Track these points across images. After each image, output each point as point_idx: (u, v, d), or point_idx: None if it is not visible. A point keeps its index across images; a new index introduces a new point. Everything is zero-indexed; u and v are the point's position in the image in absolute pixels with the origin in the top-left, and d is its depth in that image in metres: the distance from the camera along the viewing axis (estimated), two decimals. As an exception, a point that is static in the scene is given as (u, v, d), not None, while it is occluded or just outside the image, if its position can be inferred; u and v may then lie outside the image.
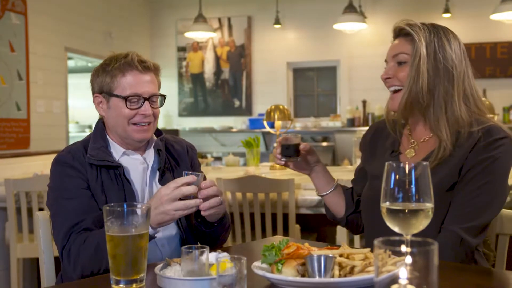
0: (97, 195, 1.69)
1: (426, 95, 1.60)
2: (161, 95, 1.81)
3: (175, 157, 1.89)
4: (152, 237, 1.59)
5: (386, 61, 1.72)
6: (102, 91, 1.77)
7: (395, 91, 1.67)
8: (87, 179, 1.70)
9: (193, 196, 1.56)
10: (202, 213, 1.61)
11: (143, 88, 1.74)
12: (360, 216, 1.84)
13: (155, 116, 1.79)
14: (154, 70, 1.79)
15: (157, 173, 1.80)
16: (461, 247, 1.51)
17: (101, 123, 1.84)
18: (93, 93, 1.81)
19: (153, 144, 1.83)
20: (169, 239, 1.75)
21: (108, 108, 1.77)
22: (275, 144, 1.79)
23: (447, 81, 1.61)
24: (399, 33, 1.69)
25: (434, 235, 1.51)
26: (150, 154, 1.83)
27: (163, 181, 1.77)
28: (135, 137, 1.75)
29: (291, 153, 1.71)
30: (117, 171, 1.73)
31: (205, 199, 1.58)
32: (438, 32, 1.64)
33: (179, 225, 1.77)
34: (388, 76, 1.67)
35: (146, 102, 1.74)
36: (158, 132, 1.90)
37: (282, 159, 1.73)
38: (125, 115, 1.73)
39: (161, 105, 1.81)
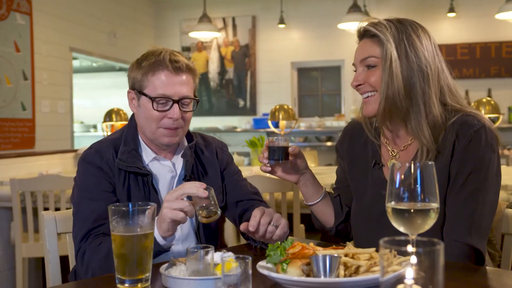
0: (121, 200, 1.64)
1: (403, 99, 1.51)
2: (194, 98, 1.70)
3: (203, 165, 1.81)
4: (166, 250, 1.50)
5: (354, 64, 1.62)
6: (134, 87, 1.70)
7: (368, 96, 1.58)
8: (114, 182, 1.65)
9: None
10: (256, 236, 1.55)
11: (173, 89, 1.64)
12: (349, 226, 1.77)
13: (185, 120, 1.69)
14: (188, 70, 1.68)
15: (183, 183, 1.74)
16: (475, 257, 1.49)
17: (134, 121, 1.76)
18: (129, 87, 1.73)
19: (182, 152, 1.76)
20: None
21: (138, 106, 1.70)
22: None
23: (422, 81, 1.51)
24: (364, 34, 1.59)
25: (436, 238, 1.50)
26: (180, 159, 1.76)
27: None
28: (161, 141, 1.69)
29: (279, 156, 1.59)
30: (145, 179, 1.67)
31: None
32: (406, 30, 1.53)
33: (198, 238, 1.74)
34: (359, 83, 1.58)
35: (175, 105, 1.64)
36: (189, 137, 1.81)
37: (268, 163, 1.61)
38: (153, 117, 1.65)
39: (194, 109, 1.71)
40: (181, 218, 1.42)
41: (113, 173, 1.66)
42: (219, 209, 1.45)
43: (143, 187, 1.67)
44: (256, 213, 1.54)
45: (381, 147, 1.68)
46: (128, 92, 1.73)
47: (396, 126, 1.60)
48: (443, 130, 1.53)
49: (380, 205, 1.56)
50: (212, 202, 1.44)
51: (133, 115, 1.79)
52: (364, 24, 1.58)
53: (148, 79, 1.65)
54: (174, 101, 1.65)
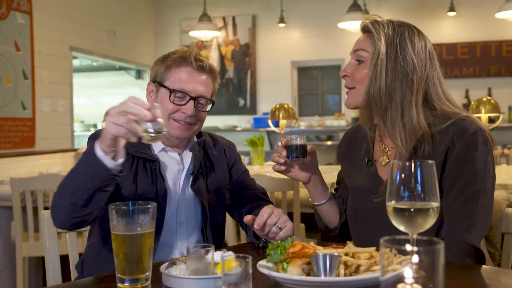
0: (127, 182, 1.63)
1: (384, 97, 1.53)
2: (210, 100, 1.75)
3: (212, 162, 1.84)
4: (111, 174, 1.41)
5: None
6: (155, 80, 1.75)
7: (349, 88, 1.64)
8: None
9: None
10: (259, 234, 1.59)
11: (192, 86, 1.70)
12: None
13: (199, 119, 1.74)
14: (210, 72, 1.74)
15: (191, 178, 1.76)
16: (476, 256, 1.49)
17: None
18: (150, 79, 1.80)
19: (191, 147, 1.79)
20: None
21: (156, 98, 1.74)
22: (279, 145, 1.68)
23: (405, 85, 1.52)
24: (364, 29, 1.63)
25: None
26: (188, 154, 1.78)
27: (195, 186, 1.74)
28: (171, 133, 1.70)
29: (298, 154, 1.63)
30: (153, 165, 1.69)
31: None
32: (402, 33, 1.55)
33: (204, 235, 1.75)
34: (346, 74, 1.63)
35: (191, 102, 1.69)
36: (199, 134, 1.85)
37: (287, 161, 1.65)
38: (167, 108, 1.68)
39: (209, 110, 1.77)
40: (124, 134, 1.34)
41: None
42: (164, 128, 1.37)
43: (151, 174, 1.69)
44: (264, 212, 1.56)
45: (374, 144, 1.71)
46: (148, 84, 1.78)
47: (379, 123, 1.63)
48: (430, 136, 1.53)
49: (372, 199, 1.60)
50: (159, 121, 1.35)
51: None
52: (366, 20, 1.62)
53: (171, 72, 1.71)
54: (191, 98, 1.70)
